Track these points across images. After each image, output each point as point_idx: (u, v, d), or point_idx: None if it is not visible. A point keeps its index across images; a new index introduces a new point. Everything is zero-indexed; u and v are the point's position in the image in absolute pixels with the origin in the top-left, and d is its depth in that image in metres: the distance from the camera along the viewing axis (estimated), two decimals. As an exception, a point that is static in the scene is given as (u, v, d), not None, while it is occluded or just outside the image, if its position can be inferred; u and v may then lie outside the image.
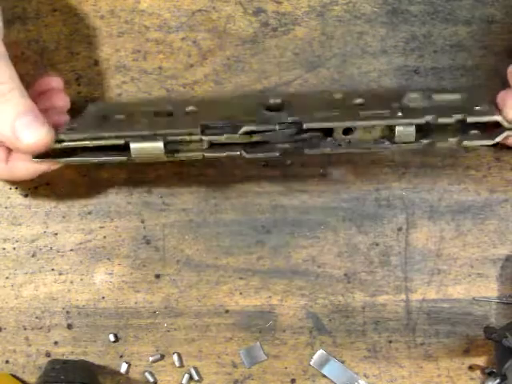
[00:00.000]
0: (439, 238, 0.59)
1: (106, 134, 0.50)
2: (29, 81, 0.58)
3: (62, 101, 0.57)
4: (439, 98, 0.55)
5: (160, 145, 0.50)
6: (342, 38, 0.61)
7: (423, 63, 0.61)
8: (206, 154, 0.51)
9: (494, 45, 0.61)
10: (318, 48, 0.61)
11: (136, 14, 0.61)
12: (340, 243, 0.59)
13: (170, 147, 0.51)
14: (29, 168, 0.53)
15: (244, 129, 0.51)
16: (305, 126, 0.51)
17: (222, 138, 0.51)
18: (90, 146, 0.51)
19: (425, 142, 0.52)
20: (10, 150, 0.53)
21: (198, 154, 0.52)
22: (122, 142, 0.50)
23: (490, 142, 0.52)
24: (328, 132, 0.52)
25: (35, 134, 0.49)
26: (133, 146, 0.50)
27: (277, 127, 0.51)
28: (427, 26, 0.61)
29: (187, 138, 0.51)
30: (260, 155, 0.52)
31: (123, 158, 0.51)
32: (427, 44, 0.61)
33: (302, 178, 0.60)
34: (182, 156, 0.52)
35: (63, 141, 0.51)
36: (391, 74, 0.61)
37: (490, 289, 0.58)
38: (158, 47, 0.61)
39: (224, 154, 0.52)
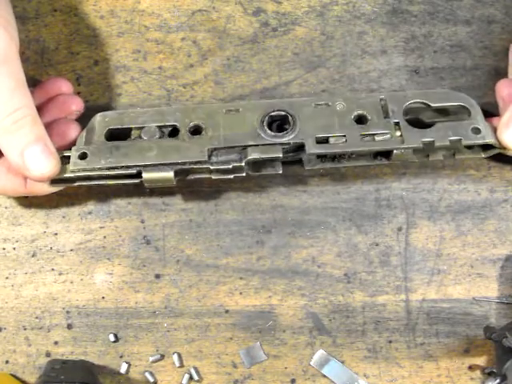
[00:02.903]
0: (439, 238, 0.59)
1: (119, 165, 0.54)
2: (33, 82, 0.59)
3: (77, 105, 0.57)
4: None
5: (170, 174, 0.54)
6: (342, 38, 0.61)
7: (423, 63, 0.61)
8: (213, 177, 0.55)
9: (493, 45, 0.61)
10: (317, 48, 0.61)
11: (136, 14, 0.61)
12: (340, 243, 0.59)
13: (179, 171, 0.54)
14: (46, 187, 0.55)
15: (250, 158, 0.54)
16: (307, 151, 0.54)
17: (229, 167, 0.54)
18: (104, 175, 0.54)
19: (419, 157, 0.56)
20: None
21: (205, 177, 0.55)
22: (134, 171, 0.54)
23: (481, 156, 0.57)
24: None
25: (43, 165, 0.50)
26: (145, 175, 0.54)
27: (281, 155, 0.54)
28: (427, 26, 0.61)
29: (195, 166, 0.54)
30: (264, 173, 0.56)
31: (136, 182, 0.55)
32: (427, 44, 0.61)
33: (302, 178, 0.60)
34: (190, 178, 0.56)
35: (77, 171, 0.54)
36: (391, 73, 0.61)
37: (490, 289, 0.58)
38: (158, 47, 0.61)
39: (231, 176, 0.55)
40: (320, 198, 0.59)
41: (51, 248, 0.59)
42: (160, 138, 0.55)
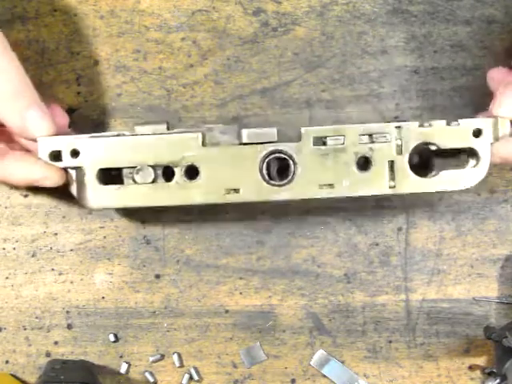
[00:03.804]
0: (439, 238, 0.59)
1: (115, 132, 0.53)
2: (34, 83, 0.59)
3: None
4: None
5: (163, 126, 0.52)
6: (341, 38, 0.61)
7: (423, 63, 0.61)
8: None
9: (493, 45, 0.61)
10: (317, 48, 0.61)
11: (136, 14, 0.61)
12: (340, 243, 0.59)
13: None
14: (22, 171, 0.53)
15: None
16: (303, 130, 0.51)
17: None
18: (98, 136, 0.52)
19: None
20: (6, 149, 0.53)
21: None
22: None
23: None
24: None
25: (42, 126, 0.52)
26: (137, 127, 0.52)
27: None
28: (427, 26, 0.61)
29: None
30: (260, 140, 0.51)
31: (127, 136, 0.52)
32: (427, 44, 0.61)
33: (302, 178, 0.60)
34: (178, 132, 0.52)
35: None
36: (391, 73, 0.61)
37: (490, 289, 0.58)
38: (158, 47, 0.61)
39: (220, 125, 0.52)
40: (320, 198, 0.59)
41: (51, 248, 0.59)
42: (153, 181, 0.52)
